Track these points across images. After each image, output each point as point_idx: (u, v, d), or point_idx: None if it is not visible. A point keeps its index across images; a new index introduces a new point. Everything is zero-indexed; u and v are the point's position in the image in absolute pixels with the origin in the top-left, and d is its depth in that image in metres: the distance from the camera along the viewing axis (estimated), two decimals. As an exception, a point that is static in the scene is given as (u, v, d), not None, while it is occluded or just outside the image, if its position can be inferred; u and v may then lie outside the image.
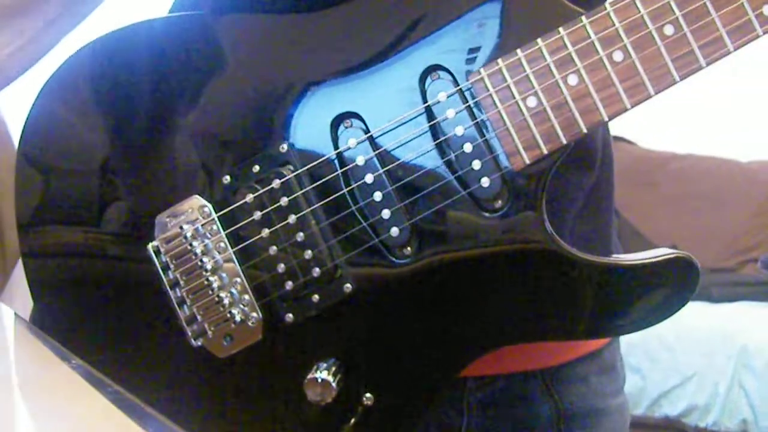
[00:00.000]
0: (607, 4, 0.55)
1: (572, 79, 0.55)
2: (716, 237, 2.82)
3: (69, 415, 0.70)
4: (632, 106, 0.56)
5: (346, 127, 0.59)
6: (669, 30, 0.55)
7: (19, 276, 1.45)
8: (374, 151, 0.58)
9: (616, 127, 3.12)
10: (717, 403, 2.07)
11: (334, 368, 0.59)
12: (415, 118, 0.57)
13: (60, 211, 0.67)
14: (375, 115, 0.58)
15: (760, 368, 2.04)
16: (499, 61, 0.56)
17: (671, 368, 2.15)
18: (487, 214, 0.57)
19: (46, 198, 0.68)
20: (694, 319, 2.18)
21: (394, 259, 0.58)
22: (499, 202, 0.57)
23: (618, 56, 0.55)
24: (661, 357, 2.17)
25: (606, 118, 0.55)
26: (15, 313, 1.03)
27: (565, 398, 0.69)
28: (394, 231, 0.58)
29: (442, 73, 0.57)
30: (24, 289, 1.39)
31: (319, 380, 0.58)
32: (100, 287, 0.67)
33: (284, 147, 0.60)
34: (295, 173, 0.59)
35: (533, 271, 0.58)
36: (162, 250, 0.62)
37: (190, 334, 0.63)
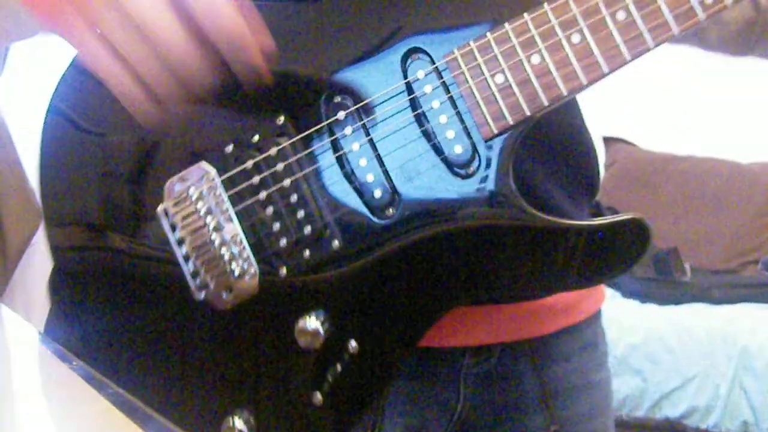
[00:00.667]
0: None
1: (535, 59, 0.63)
2: (717, 239, 2.82)
3: (69, 417, 0.69)
4: (588, 83, 0.63)
5: (336, 102, 0.65)
6: (621, 15, 0.62)
7: (20, 277, 1.45)
8: (359, 122, 0.64)
9: (617, 129, 3.14)
10: (718, 405, 2.07)
11: (322, 318, 0.66)
12: (397, 94, 0.65)
13: (82, 188, 0.73)
14: (362, 91, 0.65)
15: (761, 370, 2.04)
16: (471, 42, 0.63)
17: (672, 370, 2.15)
18: (460, 180, 0.65)
19: (70, 178, 0.74)
20: (695, 321, 2.18)
21: (377, 219, 0.65)
22: (471, 168, 0.64)
23: (576, 38, 0.63)
24: (662, 359, 2.17)
25: (565, 93, 0.63)
26: (16, 314, 1.03)
27: (550, 376, 0.78)
28: (378, 193, 0.65)
29: (421, 54, 0.65)
30: (24, 290, 1.39)
31: (309, 328, 0.65)
32: (118, 254, 0.72)
33: (281, 119, 0.65)
34: (290, 141, 0.64)
35: (502, 232, 0.64)
36: (170, 212, 0.67)
37: (193, 287, 0.67)
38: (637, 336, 2.19)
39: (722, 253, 2.79)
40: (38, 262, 1.47)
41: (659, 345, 2.17)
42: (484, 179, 0.64)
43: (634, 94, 3.27)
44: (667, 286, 2.39)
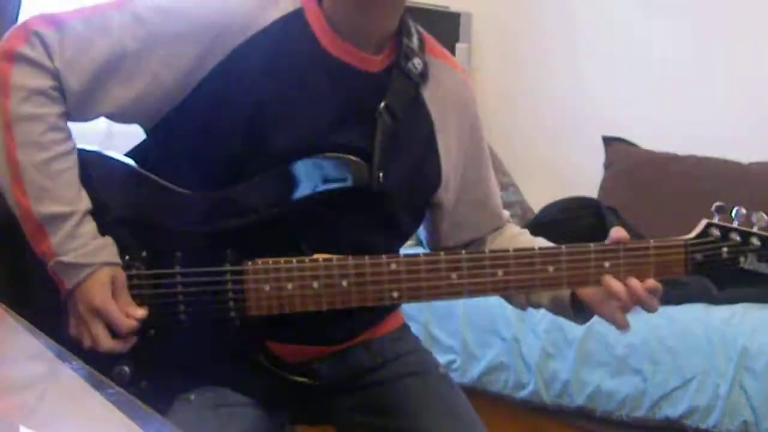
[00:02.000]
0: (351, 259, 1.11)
1: (289, 285, 1.11)
2: (717, 238, 2.81)
3: (70, 416, 0.69)
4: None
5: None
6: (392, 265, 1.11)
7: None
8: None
9: (617, 129, 3.12)
10: (718, 405, 2.07)
11: (125, 366, 1.14)
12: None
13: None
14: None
15: (761, 370, 2.04)
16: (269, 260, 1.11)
17: (672, 370, 2.15)
18: (227, 323, 1.13)
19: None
20: (695, 321, 2.18)
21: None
22: (235, 316, 1.14)
23: (345, 282, 1.10)
24: (662, 359, 2.17)
25: (297, 311, 1.12)
26: (15, 314, 1.03)
27: (379, 356, 1.29)
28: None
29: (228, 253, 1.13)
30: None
31: (120, 372, 1.14)
32: None
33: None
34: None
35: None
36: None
37: None
38: (636, 336, 2.19)
39: (722, 252, 2.78)
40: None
41: (659, 345, 2.17)
42: (241, 331, 1.13)
43: (634, 93, 3.27)
44: (667, 285, 2.38)
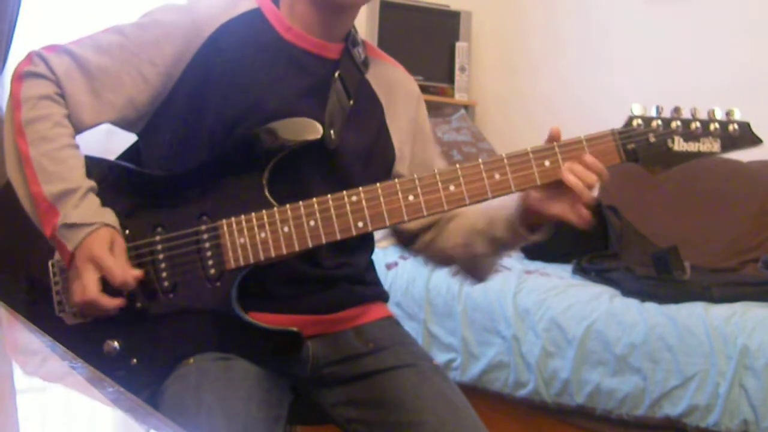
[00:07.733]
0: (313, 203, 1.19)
1: (262, 234, 1.18)
2: (717, 237, 2.81)
3: (69, 414, 0.70)
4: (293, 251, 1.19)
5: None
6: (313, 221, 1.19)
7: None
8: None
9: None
10: (718, 404, 2.07)
11: (119, 343, 1.21)
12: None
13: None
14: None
15: (761, 368, 2.04)
16: (242, 218, 1.20)
17: (672, 368, 2.15)
18: (208, 285, 1.19)
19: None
20: (695, 320, 2.18)
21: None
22: (218, 282, 1.20)
23: (313, 222, 1.17)
24: (662, 357, 2.17)
25: (272, 256, 1.19)
26: (16, 313, 1.03)
27: (370, 342, 1.32)
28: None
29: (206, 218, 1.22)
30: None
31: (112, 347, 1.21)
32: None
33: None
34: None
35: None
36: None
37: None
38: (637, 335, 2.19)
39: (722, 251, 2.79)
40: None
41: (659, 344, 2.17)
42: (224, 283, 1.18)
43: (634, 91, 3.27)
44: (667, 284, 2.39)
